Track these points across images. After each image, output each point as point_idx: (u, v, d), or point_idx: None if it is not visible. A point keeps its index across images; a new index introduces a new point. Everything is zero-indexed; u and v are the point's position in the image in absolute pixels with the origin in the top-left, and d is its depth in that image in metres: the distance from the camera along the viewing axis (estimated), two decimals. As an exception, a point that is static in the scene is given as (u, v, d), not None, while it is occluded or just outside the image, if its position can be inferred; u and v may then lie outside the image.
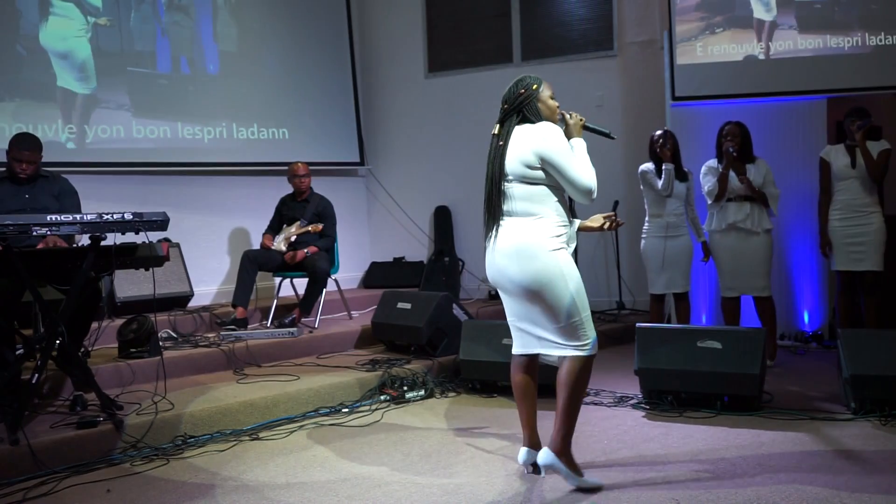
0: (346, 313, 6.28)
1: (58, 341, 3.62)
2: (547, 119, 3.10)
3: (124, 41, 6.15)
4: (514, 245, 3.01)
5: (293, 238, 5.82)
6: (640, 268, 5.85)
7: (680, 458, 3.34)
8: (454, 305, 5.26)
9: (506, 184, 3.05)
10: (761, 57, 5.85)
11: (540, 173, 3.02)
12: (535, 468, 3.17)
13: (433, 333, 5.06)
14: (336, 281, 6.06)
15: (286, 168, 6.16)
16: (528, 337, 3.13)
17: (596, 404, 4.27)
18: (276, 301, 5.88)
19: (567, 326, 3.00)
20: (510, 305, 3.16)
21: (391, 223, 7.80)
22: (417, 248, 7.69)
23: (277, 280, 6.04)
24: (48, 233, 3.49)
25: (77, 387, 3.92)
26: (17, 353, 3.97)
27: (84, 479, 3.27)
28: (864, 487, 2.93)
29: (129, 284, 5.52)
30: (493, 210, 3.08)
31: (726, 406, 4.02)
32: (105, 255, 3.70)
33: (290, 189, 6.07)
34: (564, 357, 3.03)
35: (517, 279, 3.01)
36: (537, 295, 3.00)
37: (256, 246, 6.21)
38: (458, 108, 7.49)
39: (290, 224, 5.93)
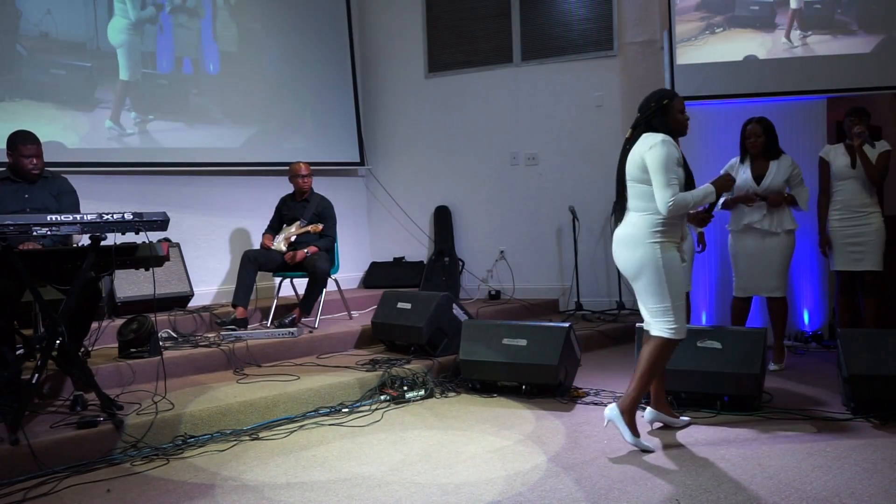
0: (346, 313, 6.27)
1: (58, 341, 3.62)
2: (672, 131, 3.51)
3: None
4: (623, 234, 3.53)
5: (293, 238, 5.82)
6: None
7: (680, 458, 3.34)
8: (454, 305, 5.26)
9: (628, 182, 3.51)
10: (762, 57, 5.85)
11: (648, 176, 3.42)
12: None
13: (433, 333, 5.06)
14: (336, 281, 6.06)
15: (286, 168, 6.16)
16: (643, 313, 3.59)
17: (596, 404, 4.27)
18: (276, 301, 5.89)
19: (657, 309, 3.46)
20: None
21: (391, 223, 7.80)
22: (417, 248, 7.69)
23: (277, 280, 6.04)
24: (48, 233, 3.49)
25: (77, 387, 3.93)
26: (18, 353, 3.97)
27: (84, 479, 3.27)
28: (863, 487, 2.93)
29: (129, 284, 5.52)
30: (619, 203, 3.59)
31: (726, 406, 4.02)
32: (105, 255, 3.70)
33: (290, 189, 6.07)
34: (652, 334, 3.52)
35: (622, 264, 3.55)
36: (636, 278, 3.50)
37: (256, 246, 6.21)
38: (458, 108, 7.49)
39: (290, 224, 5.93)
